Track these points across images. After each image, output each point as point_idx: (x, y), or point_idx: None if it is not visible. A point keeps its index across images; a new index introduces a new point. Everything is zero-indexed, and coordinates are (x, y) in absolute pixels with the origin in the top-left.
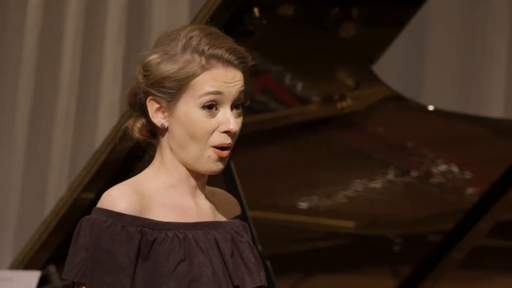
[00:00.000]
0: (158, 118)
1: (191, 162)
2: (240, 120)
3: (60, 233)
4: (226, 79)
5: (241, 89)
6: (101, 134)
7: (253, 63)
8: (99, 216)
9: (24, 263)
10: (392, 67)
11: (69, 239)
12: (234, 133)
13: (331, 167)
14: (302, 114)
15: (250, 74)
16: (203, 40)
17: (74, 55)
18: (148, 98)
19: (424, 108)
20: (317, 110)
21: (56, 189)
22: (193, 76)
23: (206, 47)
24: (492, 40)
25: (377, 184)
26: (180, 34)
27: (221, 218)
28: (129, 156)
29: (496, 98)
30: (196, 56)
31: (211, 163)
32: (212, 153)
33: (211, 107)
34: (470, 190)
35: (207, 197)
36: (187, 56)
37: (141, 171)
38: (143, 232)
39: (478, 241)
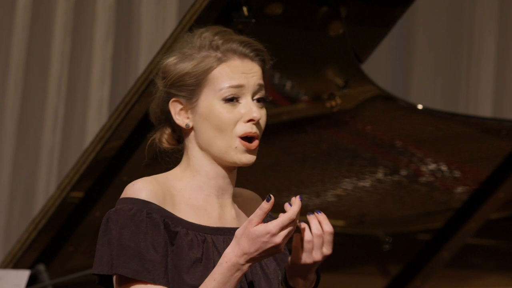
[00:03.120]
0: (182, 119)
1: (221, 155)
2: (263, 112)
3: (49, 232)
4: (244, 70)
5: (260, 82)
6: (90, 134)
7: (271, 60)
8: (124, 205)
9: (13, 262)
10: (381, 66)
11: (58, 238)
12: (259, 122)
13: (320, 166)
14: (291, 113)
15: None
16: (216, 37)
17: (63, 55)
18: (171, 100)
19: (413, 107)
20: (306, 109)
21: (45, 188)
22: (210, 69)
23: (220, 42)
24: (480, 39)
25: (366, 182)
26: (194, 36)
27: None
28: (117, 155)
29: (484, 97)
30: (212, 51)
31: (239, 154)
32: (239, 144)
33: (232, 99)
34: (459, 189)
35: (234, 200)
36: (203, 52)
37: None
38: (166, 223)
39: (467, 240)
